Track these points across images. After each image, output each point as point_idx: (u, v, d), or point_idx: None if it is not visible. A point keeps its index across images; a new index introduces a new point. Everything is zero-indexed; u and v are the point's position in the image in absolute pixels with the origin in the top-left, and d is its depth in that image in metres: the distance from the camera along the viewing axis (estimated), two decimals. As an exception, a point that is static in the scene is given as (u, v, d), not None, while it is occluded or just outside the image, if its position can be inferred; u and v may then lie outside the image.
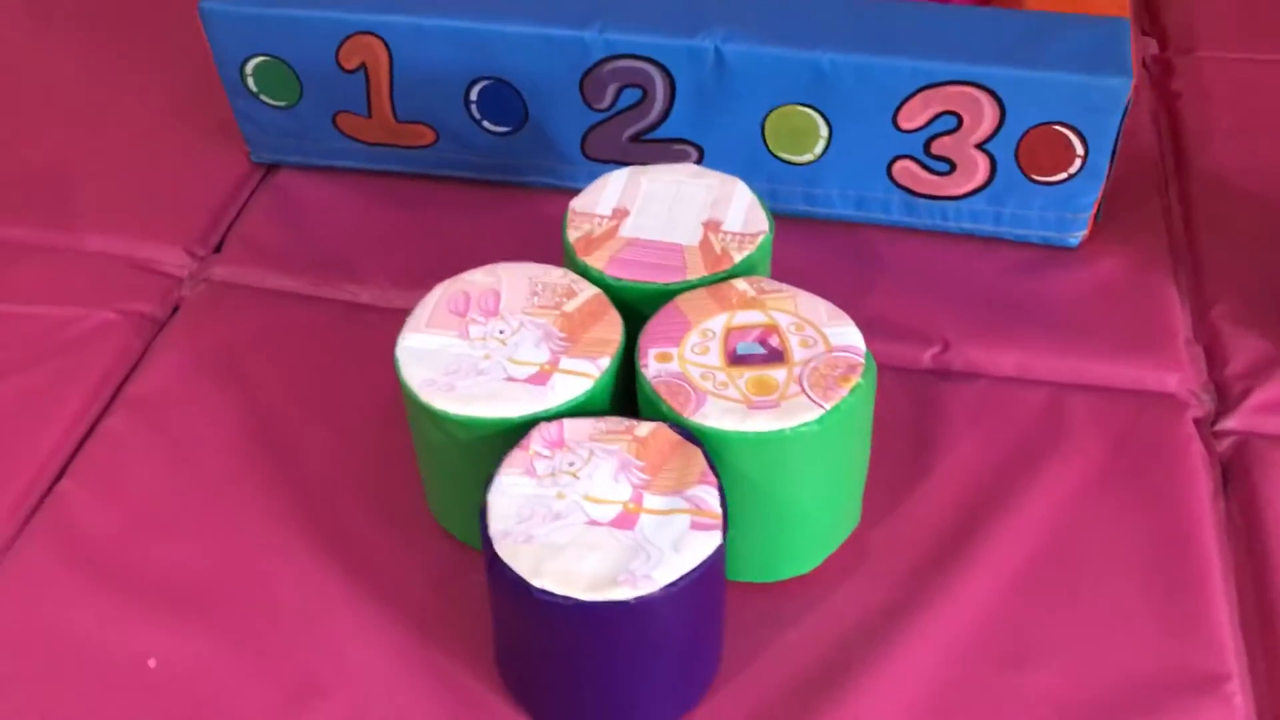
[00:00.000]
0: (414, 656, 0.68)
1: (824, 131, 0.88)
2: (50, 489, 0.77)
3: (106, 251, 0.94)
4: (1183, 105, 1.04)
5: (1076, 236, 0.90)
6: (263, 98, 0.96)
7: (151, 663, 0.68)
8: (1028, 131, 0.85)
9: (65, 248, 0.94)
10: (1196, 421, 0.79)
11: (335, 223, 0.97)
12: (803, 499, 0.67)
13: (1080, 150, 0.85)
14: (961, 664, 0.67)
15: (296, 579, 0.72)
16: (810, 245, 0.92)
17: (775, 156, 0.91)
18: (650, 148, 0.92)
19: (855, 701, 0.65)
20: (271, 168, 1.02)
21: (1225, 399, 0.81)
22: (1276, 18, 1.13)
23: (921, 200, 0.91)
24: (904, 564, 0.72)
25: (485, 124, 0.94)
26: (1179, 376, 0.82)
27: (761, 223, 0.75)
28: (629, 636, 0.58)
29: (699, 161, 0.92)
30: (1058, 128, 0.84)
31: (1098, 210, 0.90)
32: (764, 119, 0.89)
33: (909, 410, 0.81)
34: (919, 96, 0.85)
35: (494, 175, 0.97)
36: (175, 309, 0.90)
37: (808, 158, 0.90)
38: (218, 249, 0.95)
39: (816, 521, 0.69)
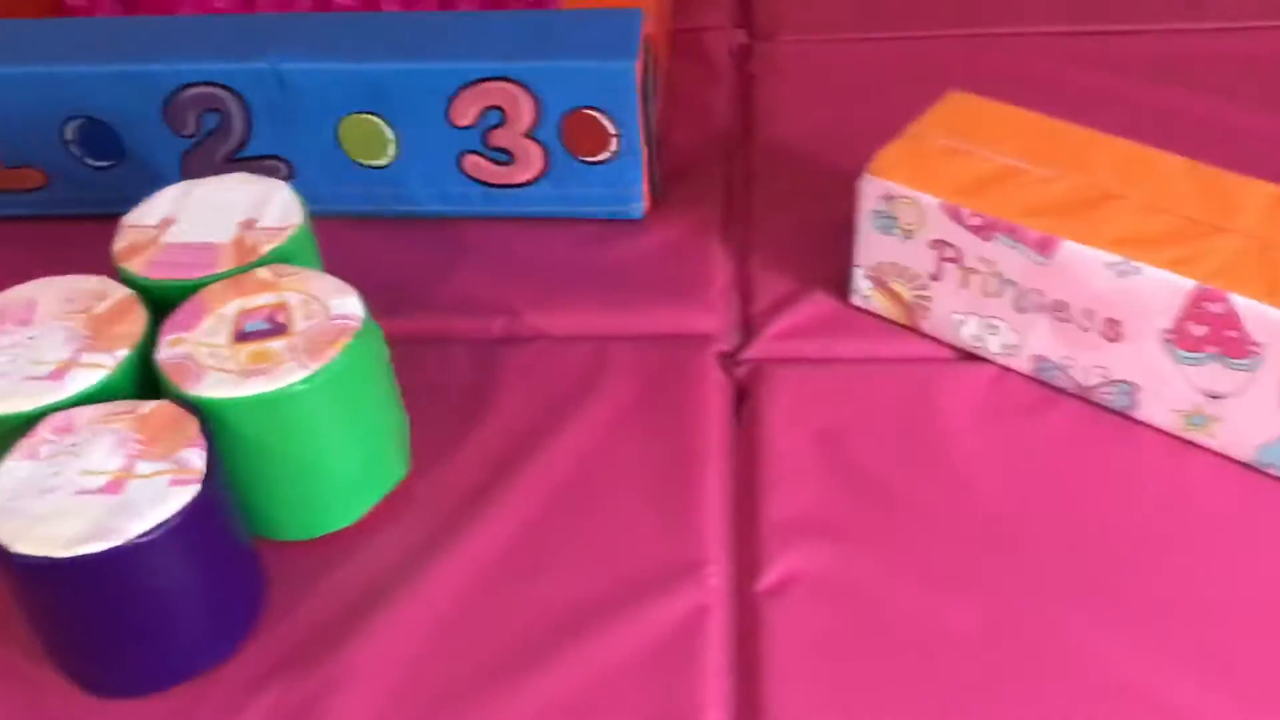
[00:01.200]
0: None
1: (391, 135, 0.97)
2: None
3: None
4: (756, 85, 1.17)
5: (638, 208, 1.00)
6: (-122, 159, 1.01)
7: None
8: (563, 117, 0.94)
9: None
10: (722, 355, 0.90)
11: (-43, 270, 1.02)
12: (318, 454, 0.74)
13: (613, 130, 0.95)
14: (486, 582, 0.75)
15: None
16: (403, 242, 1.00)
17: (357, 164, 0.99)
18: (245, 166, 0.99)
19: (384, 628, 0.73)
20: (-90, 227, 1.06)
21: (749, 333, 0.91)
22: (853, 3, 1.26)
23: (496, 190, 1.00)
24: (446, 506, 0.80)
25: (88, 160, 1.00)
26: (714, 319, 0.92)
27: (295, 217, 0.83)
28: (118, 587, 0.64)
29: (289, 176, 1.00)
30: (588, 112, 0.94)
31: (653, 182, 1.00)
32: (336, 130, 0.97)
33: (473, 375, 0.89)
34: (461, 95, 0.94)
35: (108, 208, 1.02)
36: None
37: (384, 161, 0.99)
38: None
39: (341, 475, 0.76)
